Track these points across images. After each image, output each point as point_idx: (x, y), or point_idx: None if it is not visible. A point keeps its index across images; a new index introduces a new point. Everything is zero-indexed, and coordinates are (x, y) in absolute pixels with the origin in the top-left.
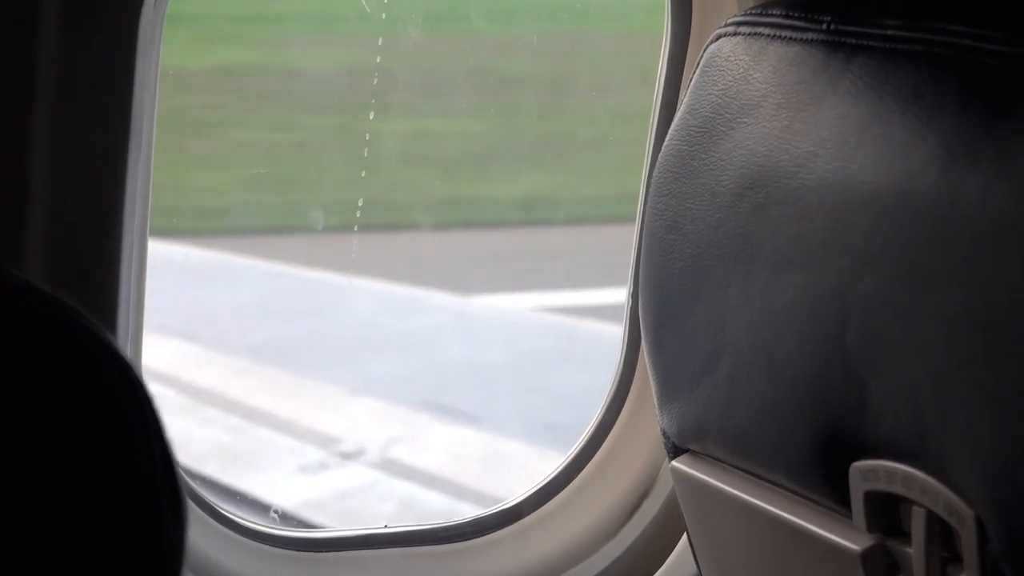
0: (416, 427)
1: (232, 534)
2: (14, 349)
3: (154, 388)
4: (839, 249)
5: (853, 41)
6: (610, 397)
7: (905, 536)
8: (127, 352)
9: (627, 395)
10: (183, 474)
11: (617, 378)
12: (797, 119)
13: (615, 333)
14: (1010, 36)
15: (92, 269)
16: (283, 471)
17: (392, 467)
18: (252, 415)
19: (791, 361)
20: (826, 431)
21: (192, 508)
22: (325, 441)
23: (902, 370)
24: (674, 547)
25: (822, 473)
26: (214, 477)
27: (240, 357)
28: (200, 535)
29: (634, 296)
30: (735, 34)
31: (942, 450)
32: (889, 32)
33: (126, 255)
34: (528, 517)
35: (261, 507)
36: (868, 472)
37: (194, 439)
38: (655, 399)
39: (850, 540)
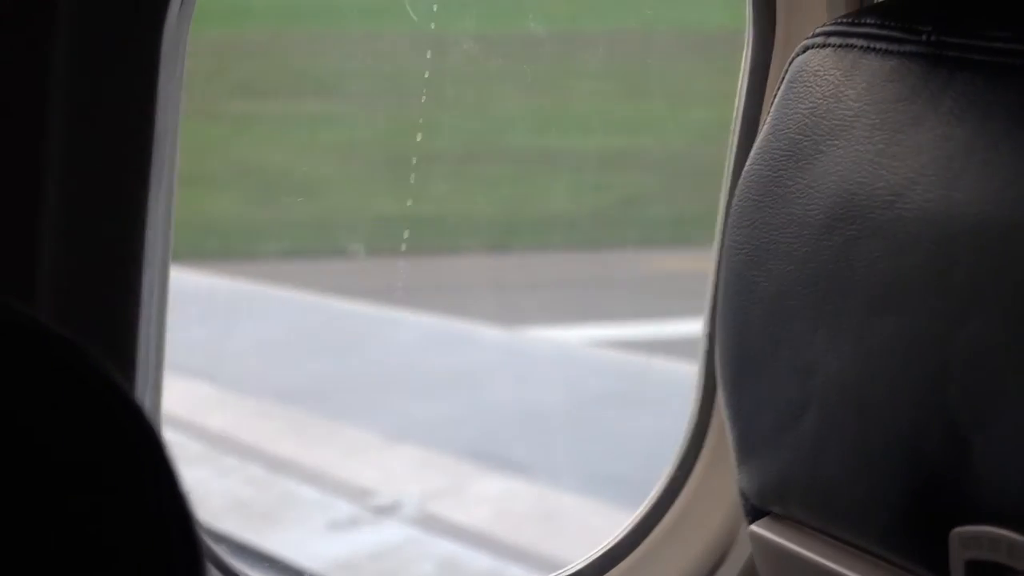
0: (459, 478)
1: None
2: (14, 398)
3: (166, 433)
4: (941, 288)
5: (956, 54)
6: (683, 450)
7: None
8: (146, 396)
9: (702, 448)
10: (201, 531)
11: (691, 428)
12: (894, 142)
13: (690, 373)
14: None
15: (109, 304)
16: (310, 528)
17: (432, 524)
18: (275, 464)
19: (886, 413)
20: (924, 492)
21: (211, 572)
22: (357, 494)
23: (1011, 424)
24: None
25: (919, 539)
26: (232, 535)
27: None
28: None
29: (710, 337)
30: (824, 45)
31: None
32: (997, 45)
33: (147, 288)
34: None
35: (285, 569)
36: (970, 539)
37: (210, 491)
38: (733, 454)
39: None
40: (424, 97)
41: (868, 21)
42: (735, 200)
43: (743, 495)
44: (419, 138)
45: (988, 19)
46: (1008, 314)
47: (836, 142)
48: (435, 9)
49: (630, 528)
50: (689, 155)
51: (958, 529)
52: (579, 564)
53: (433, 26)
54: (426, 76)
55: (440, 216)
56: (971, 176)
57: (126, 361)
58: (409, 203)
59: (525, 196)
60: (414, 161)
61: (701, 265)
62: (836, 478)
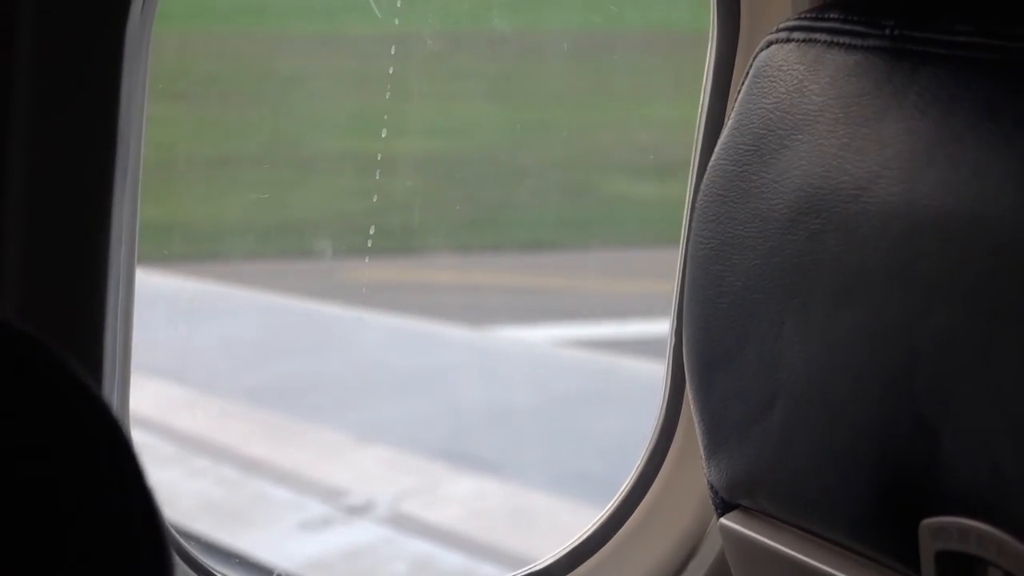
0: (431, 478)
1: None
2: None
3: (137, 435)
4: (906, 281)
5: (920, 48)
6: (652, 446)
7: None
8: (113, 394)
9: (671, 444)
10: (171, 530)
11: (659, 424)
12: (858, 136)
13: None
14: None
15: (75, 300)
16: (283, 528)
17: (405, 523)
18: (247, 465)
19: (853, 406)
20: (892, 484)
21: (185, 571)
22: (329, 494)
23: (977, 416)
24: None
25: (888, 531)
26: (205, 535)
27: (234, 400)
28: None
29: (677, 333)
30: (788, 40)
31: (1022, 505)
32: (961, 39)
33: (112, 284)
34: None
35: (258, 569)
36: (939, 530)
37: (183, 492)
38: (701, 449)
39: None
40: (255, 99)
41: (831, 16)
42: (700, 195)
43: (712, 489)
44: (211, 141)
45: (951, 13)
46: (972, 306)
47: (800, 137)
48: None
49: (600, 523)
50: (486, 159)
51: (927, 520)
52: (550, 559)
53: (398, 23)
54: (278, 78)
55: (172, 222)
56: (935, 170)
57: (92, 360)
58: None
59: (282, 201)
60: (185, 165)
61: (397, 275)
62: (804, 471)
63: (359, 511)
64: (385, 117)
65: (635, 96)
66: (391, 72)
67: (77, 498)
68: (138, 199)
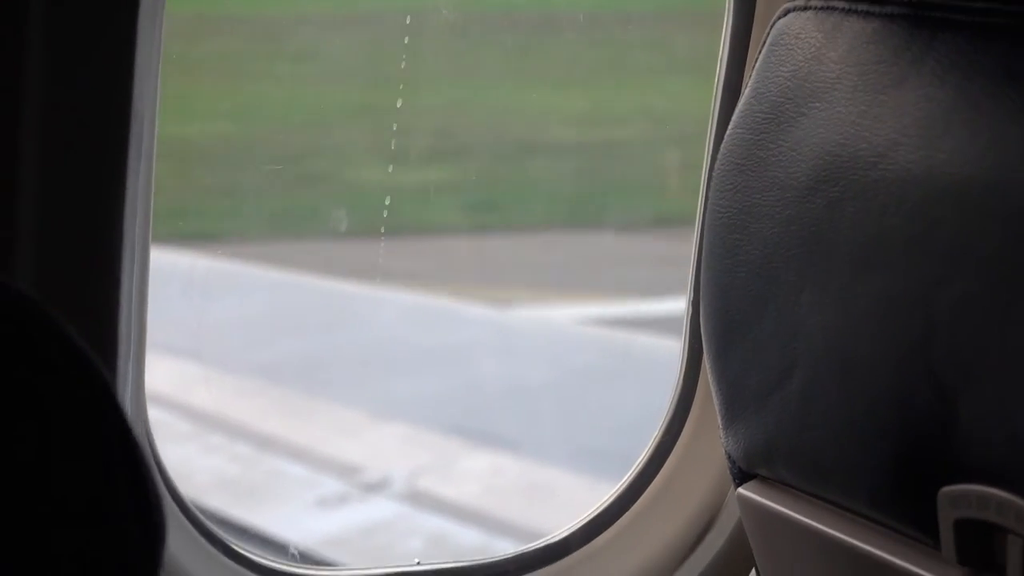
0: (447, 454)
1: (249, 574)
2: None
3: (152, 412)
4: (924, 249)
5: (939, 15)
6: (669, 417)
7: (1000, 568)
8: (128, 372)
9: (688, 415)
10: (189, 503)
11: (677, 396)
12: (876, 103)
13: (675, 348)
14: None
15: (89, 278)
16: (298, 505)
17: (421, 499)
18: (262, 442)
19: (871, 374)
20: (911, 452)
21: (203, 545)
22: (345, 471)
23: (996, 384)
24: None
25: (907, 499)
26: (220, 512)
27: (248, 377)
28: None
29: (695, 304)
30: (806, 8)
31: None
32: (979, 5)
33: (127, 263)
34: (576, 553)
35: (275, 545)
36: (958, 498)
37: (197, 469)
38: (719, 419)
39: (939, 574)
40: None
41: None
42: (717, 165)
43: (730, 459)
44: None
45: None
46: (990, 274)
47: (818, 104)
48: None
49: (618, 495)
50: (253, 145)
51: (946, 488)
52: (565, 531)
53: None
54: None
55: None
56: (953, 137)
57: (107, 338)
58: None
59: None
60: None
61: None
62: (823, 440)
63: (375, 488)
64: (216, 101)
65: (486, 80)
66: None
67: (62, 447)
68: (153, 176)
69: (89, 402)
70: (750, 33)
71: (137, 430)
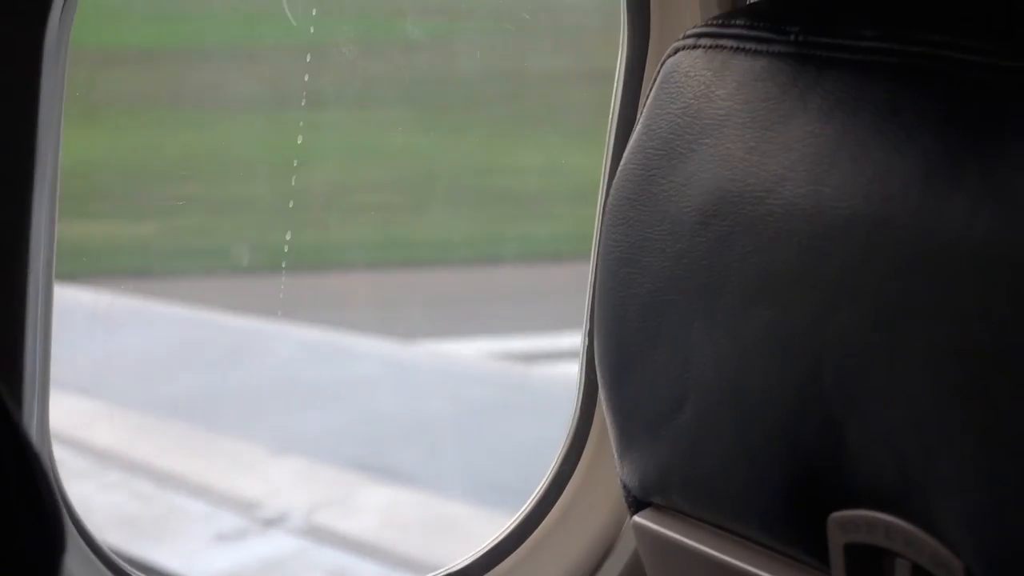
0: (346, 489)
1: None
2: None
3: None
4: (812, 281)
5: (824, 54)
6: (566, 448)
7: None
8: (34, 408)
9: (584, 446)
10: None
11: (573, 427)
12: (764, 139)
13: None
14: (996, 47)
15: None
16: (197, 540)
17: (319, 534)
18: (161, 478)
19: (762, 404)
20: (801, 479)
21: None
22: (244, 506)
23: (883, 411)
24: None
25: (798, 525)
26: (119, 549)
27: (147, 413)
28: None
29: (589, 336)
30: (695, 47)
31: (927, 497)
32: (863, 44)
33: (32, 297)
34: None
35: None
36: (847, 523)
37: (96, 506)
38: (614, 449)
39: None
40: None
41: (737, 22)
42: (610, 199)
43: (625, 488)
44: None
45: (855, 18)
46: (875, 305)
47: (708, 141)
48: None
49: (517, 523)
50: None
51: (836, 514)
52: (467, 560)
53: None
54: None
55: None
56: (840, 172)
57: (13, 374)
58: None
59: None
60: None
61: None
62: (715, 469)
63: (274, 522)
64: None
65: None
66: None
67: None
68: (56, 209)
69: None
70: (643, 69)
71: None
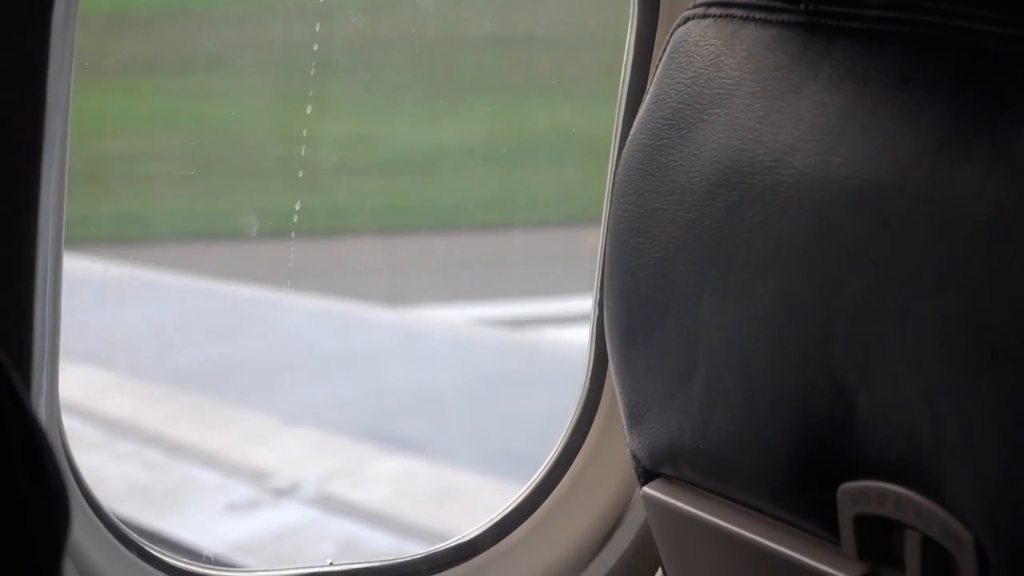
0: (357, 459)
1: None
2: None
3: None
4: (822, 251)
5: (834, 22)
6: (576, 418)
7: (899, 563)
8: (43, 380)
9: (595, 416)
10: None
11: (583, 397)
12: (774, 109)
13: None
14: (1007, 17)
15: (2, 286)
16: (209, 511)
17: (331, 504)
18: (173, 449)
19: (772, 375)
20: (811, 450)
21: (118, 548)
22: (256, 476)
23: (893, 382)
24: None
25: (807, 496)
26: (131, 519)
27: (159, 383)
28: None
29: (600, 306)
30: (705, 16)
31: (937, 469)
32: (873, 12)
33: (40, 270)
34: (486, 552)
35: (185, 551)
36: (857, 494)
37: (107, 476)
38: (623, 420)
39: (839, 569)
40: None
41: None
42: (619, 169)
43: (635, 458)
44: None
45: None
46: (885, 275)
47: (717, 110)
48: None
49: (525, 495)
50: None
51: (846, 485)
52: (475, 531)
53: None
54: None
55: None
56: (849, 141)
57: (21, 349)
58: None
59: None
60: None
61: None
62: (725, 440)
63: (285, 493)
64: None
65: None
66: None
67: None
68: (65, 182)
69: None
70: (654, 39)
71: (52, 437)
